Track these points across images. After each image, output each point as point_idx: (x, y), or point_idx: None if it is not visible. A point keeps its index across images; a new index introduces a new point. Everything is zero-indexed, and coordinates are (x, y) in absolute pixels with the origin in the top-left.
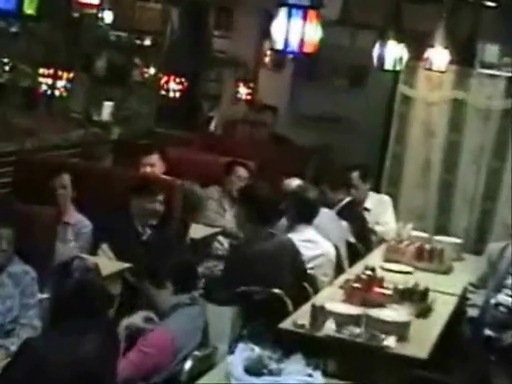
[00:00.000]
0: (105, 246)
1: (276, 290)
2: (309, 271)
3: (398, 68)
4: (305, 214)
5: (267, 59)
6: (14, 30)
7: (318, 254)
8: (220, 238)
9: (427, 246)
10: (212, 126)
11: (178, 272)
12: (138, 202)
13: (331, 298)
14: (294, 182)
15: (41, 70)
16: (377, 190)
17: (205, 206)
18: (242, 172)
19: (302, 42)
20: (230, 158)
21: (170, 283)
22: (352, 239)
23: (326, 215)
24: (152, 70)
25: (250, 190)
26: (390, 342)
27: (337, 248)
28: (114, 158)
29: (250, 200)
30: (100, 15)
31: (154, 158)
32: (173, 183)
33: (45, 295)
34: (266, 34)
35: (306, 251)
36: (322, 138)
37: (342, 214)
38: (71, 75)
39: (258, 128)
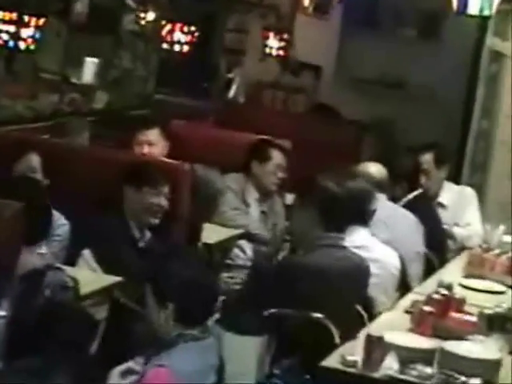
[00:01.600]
0: (87, 253)
1: (317, 315)
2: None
3: (486, 13)
4: (358, 213)
5: (306, 1)
6: None
7: (375, 267)
8: (242, 242)
9: None
10: (232, 92)
11: (184, 291)
12: (135, 194)
13: (393, 326)
14: (373, 168)
15: (0, 14)
16: (456, 179)
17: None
18: (274, 156)
19: None
20: (256, 136)
21: (172, 306)
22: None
23: (397, 214)
24: (151, 16)
25: (321, 185)
26: None
27: (402, 259)
28: (99, 133)
29: (319, 199)
30: None
31: (154, 135)
32: (180, 169)
33: (1, 312)
34: None
35: None
36: (380, 108)
37: None
38: (42, 21)
39: (295, 95)
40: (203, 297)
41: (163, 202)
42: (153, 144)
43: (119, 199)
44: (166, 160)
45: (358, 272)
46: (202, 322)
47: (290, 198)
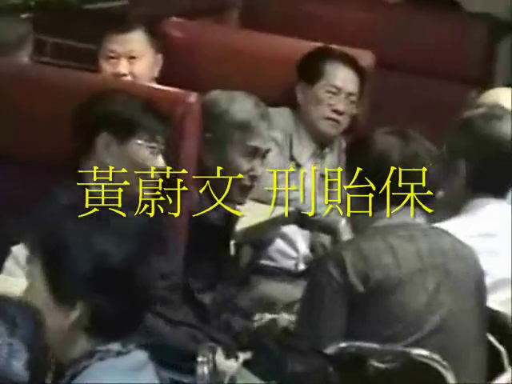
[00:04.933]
0: (18, 250)
1: (417, 351)
2: (491, 305)
3: None
4: (489, 174)
5: None
6: None
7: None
8: (290, 229)
9: None
10: None
11: (101, 280)
12: (114, 149)
13: None
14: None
15: None
16: None
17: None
18: (329, 71)
19: None
20: (312, 44)
21: (82, 305)
22: None
23: None
24: None
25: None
26: None
27: None
28: (39, 42)
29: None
30: None
31: (137, 41)
32: (183, 101)
33: None
34: None
35: (487, 263)
36: None
37: None
38: None
39: None
40: (132, 293)
41: (159, 161)
42: (135, 56)
43: (87, 157)
44: (159, 87)
45: (469, 269)
46: (127, 334)
47: None
